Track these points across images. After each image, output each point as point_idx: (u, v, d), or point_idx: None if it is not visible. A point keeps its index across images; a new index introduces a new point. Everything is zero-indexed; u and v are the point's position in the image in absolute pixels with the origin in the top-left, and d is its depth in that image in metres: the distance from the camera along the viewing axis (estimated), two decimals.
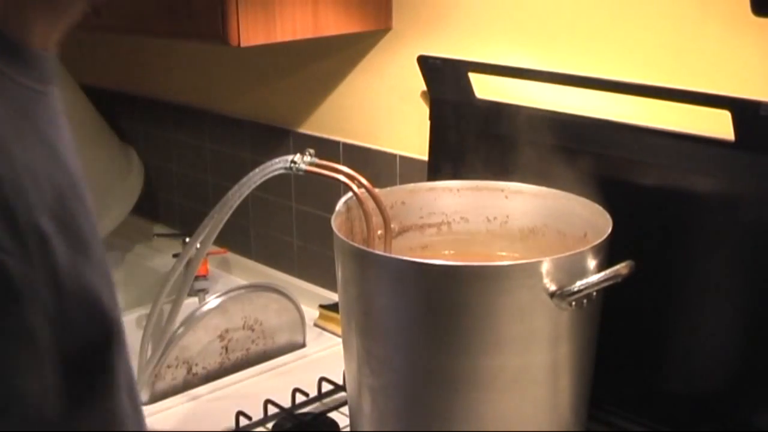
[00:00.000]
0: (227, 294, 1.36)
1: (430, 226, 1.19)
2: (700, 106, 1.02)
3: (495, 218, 1.18)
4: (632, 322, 1.12)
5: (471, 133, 1.25)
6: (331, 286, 1.57)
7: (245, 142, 1.73)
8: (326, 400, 1.27)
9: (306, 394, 1.26)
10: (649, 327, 1.12)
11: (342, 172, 1.13)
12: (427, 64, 1.30)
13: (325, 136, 1.56)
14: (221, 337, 1.36)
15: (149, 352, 1.33)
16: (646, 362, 1.13)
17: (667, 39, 1.10)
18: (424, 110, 1.36)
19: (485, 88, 1.27)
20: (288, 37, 1.31)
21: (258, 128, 1.70)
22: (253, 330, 1.40)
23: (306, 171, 1.16)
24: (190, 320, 1.32)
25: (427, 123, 1.34)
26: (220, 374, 1.37)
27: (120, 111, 2.03)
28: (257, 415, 1.21)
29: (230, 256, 1.80)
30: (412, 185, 1.20)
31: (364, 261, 1.01)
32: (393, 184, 1.34)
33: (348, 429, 1.16)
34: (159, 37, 1.64)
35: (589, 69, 1.16)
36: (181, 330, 1.31)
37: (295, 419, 1.20)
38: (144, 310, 1.49)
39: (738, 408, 1.06)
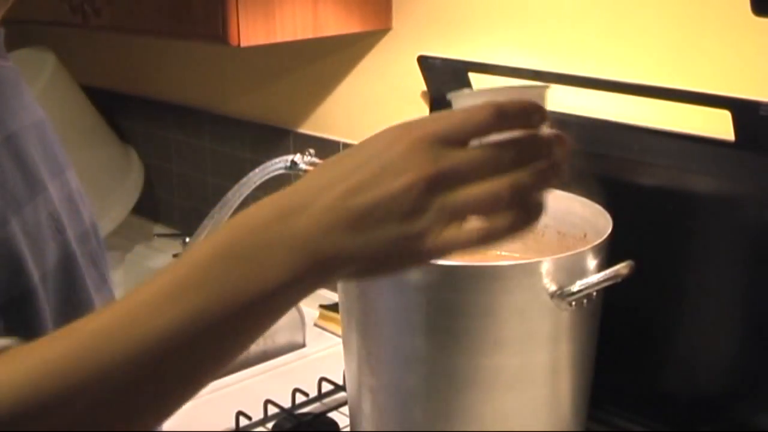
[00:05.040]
0: None
1: None
2: (700, 106, 1.02)
3: None
4: (632, 322, 1.12)
5: None
6: (331, 286, 1.57)
7: (245, 142, 1.73)
8: (326, 400, 1.26)
9: (306, 394, 1.26)
10: (649, 327, 1.12)
11: None
12: (427, 64, 1.30)
13: (326, 136, 1.56)
14: None
15: None
16: (646, 362, 1.13)
17: (667, 39, 1.10)
18: (424, 110, 1.36)
19: None
20: (288, 37, 1.31)
21: (258, 128, 1.70)
22: None
23: (306, 171, 1.16)
24: None
25: None
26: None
27: (120, 111, 2.03)
28: (257, 415, 1.21)
29: None
30: None
31: None
32: None
33: (348, 429, 1.16)
34: (159, 37, 1.64)
35: (590, 69, 1.16)
36: None
37: (295, 419, 1.20)
38: None
39: (738, 408, 1.06)
